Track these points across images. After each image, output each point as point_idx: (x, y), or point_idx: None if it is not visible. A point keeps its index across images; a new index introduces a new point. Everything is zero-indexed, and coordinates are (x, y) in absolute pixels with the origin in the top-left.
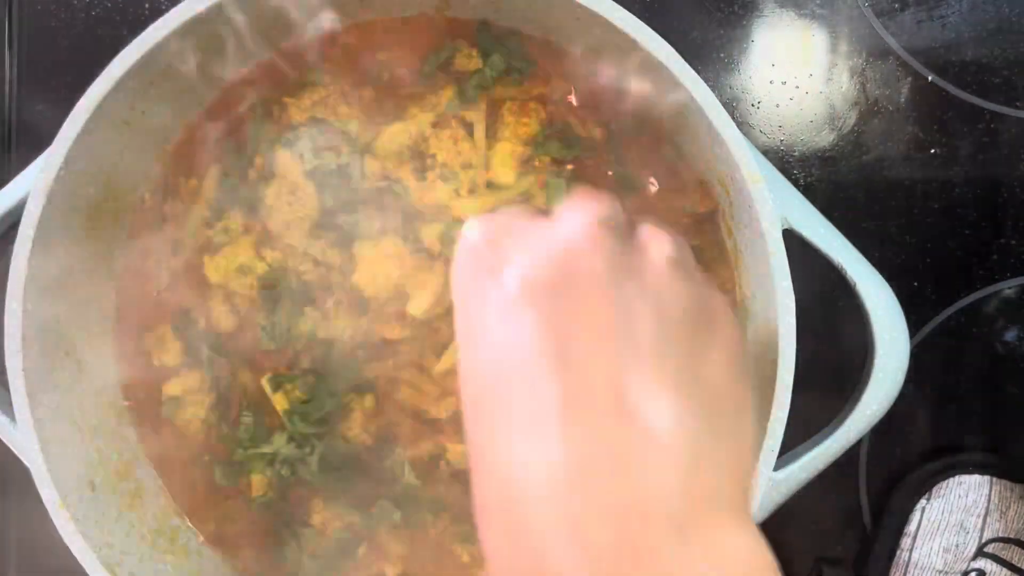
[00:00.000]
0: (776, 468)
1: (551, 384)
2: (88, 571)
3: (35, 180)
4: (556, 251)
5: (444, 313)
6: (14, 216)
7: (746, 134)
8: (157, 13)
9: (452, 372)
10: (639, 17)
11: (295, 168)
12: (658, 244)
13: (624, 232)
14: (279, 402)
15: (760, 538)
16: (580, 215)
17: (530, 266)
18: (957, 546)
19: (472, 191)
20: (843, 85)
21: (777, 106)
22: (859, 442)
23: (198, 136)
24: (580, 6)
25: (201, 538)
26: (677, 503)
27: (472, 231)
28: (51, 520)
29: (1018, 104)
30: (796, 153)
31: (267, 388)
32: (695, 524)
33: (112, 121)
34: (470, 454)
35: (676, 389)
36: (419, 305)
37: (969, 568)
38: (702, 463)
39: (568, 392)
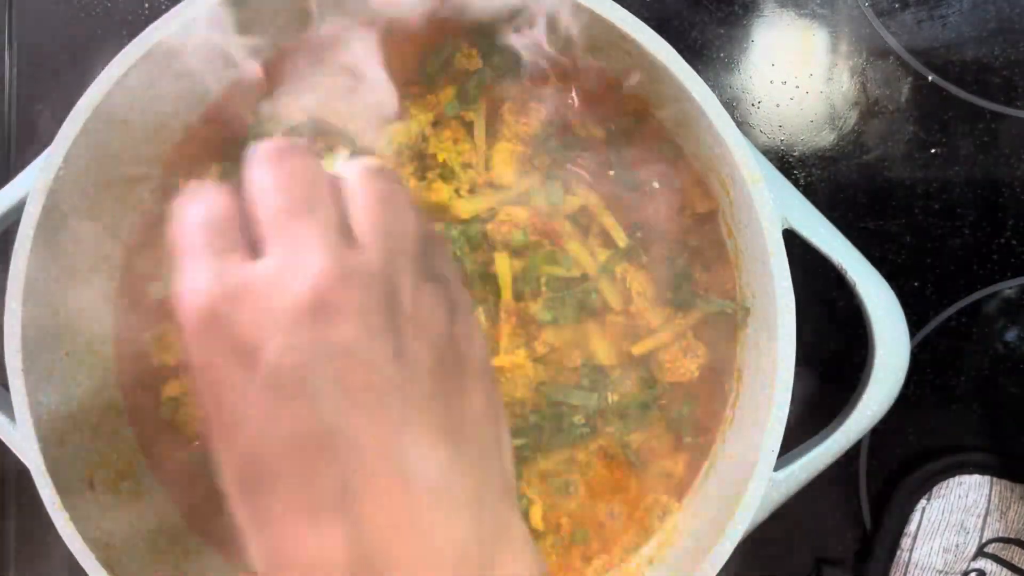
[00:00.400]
0: (776, 468)
1: (329, 468)
2: (88, 571)
3: (35, 180)
4: (305, 322)
5: None
6: (14, 216)
7: (746, 134)
8: (157, 13)
9: None
10: (639, 17)
11: None
12: (391, 244)
13: (343, 231)
14: None
15: (535, 554)
16: (315, 256)
17: (281, 347)
18: (957, 546)
19: (472, 191)
20: (843, 85)
21: (777, 106)
22: (859, 442)
23: (198, 136)
24: (580, 6)
25: (201, 538)
26: (473, 552)
27: (195, 283)
28: (51, 520)
29: (1018, 104)
30: (796, 153)
31: None
32: (492, 566)
33: (112, 121)
34: (245, 541)
35: (447, 439)
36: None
37: (969, 568)
38: (483, 504)
39: (347, 472)
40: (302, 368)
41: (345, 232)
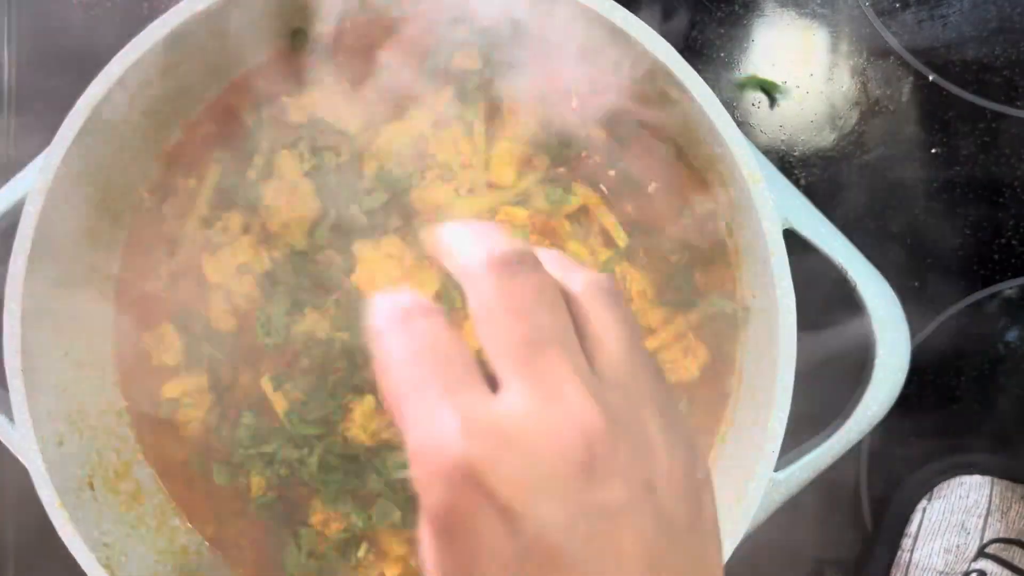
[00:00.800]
0: (777, 468)
1: None
2: (86, 571)
3: (34, 180)
4: (579, 478)
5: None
6: (13, 216)
7: (746, 134)
8: (156, 13)
9: None
10: (639, 17)
11: (294, 168)
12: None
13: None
14: (278, 402)
15: None
16: (576, 398)
17: (552, 509)
18: (958, 547)
19: (472, 191)
20: (844, 84)
21: (778, 105)
22: (860, 442)
23: (197, 135)
24: (580, 6)
25: (200, 538)
26: None
27: (440, 426)
28: (50, 520)
29: (1019, 104)
30: (797, 153)
31: (267, 388)
32: None
33: (111, 121)
34: None
35: None
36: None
37: (970, 569)
38: None
39: None
40: (572, 534)
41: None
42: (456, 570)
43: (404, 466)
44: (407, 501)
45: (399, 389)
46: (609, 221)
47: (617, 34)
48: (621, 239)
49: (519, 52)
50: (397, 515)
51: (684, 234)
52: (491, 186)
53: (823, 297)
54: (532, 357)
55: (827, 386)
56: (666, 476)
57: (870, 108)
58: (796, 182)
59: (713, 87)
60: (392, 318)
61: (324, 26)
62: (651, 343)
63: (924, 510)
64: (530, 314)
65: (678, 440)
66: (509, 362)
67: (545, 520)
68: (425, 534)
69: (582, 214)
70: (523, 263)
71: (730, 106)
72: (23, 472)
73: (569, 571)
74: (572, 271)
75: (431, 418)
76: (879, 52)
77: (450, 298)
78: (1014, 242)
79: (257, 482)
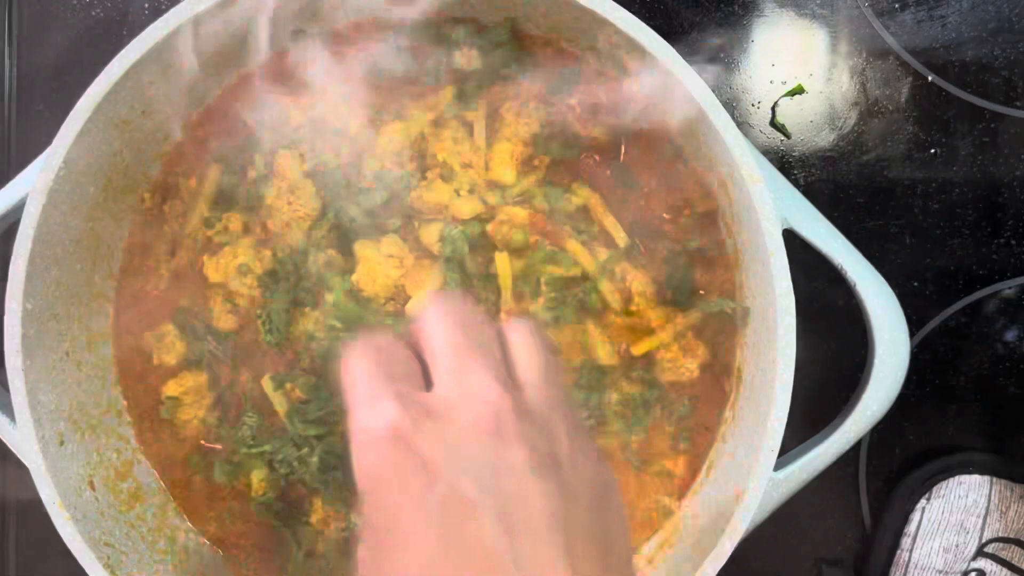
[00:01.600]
0: (776, 468)
1: None
2: (87, 571)
3: (35, 180)
4: (485, 442)
5: None
6: (14, 216)
7: (746, 134)
8: (157, 13)
9: None
10: (639, 17)
11: (295, 168)
12: (549, 403)
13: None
14: (279, 402)
15: None
16: (491, 388)
17: (462, 465)
18: (957, 546)
19: (472, 191)
20: (843, 85)
21: (777, 106)
22: (859, 442)
23: (198, 136)
24: (581, 7)
25: (201, 538)
26: None
27: (382, 409)
28: (51, 520)
29: (1018, 104)
30: (796, 153)
31: (268, 387)
32: None
33: (112, 121)
34: None
35: (605, 572)
36: (419, 304)
37: (969, 568)
38: None
39: None
40: (483, 484)
41: (509, 374)
42: (384, 521)
43: None
44: None
45: (354, 379)
46: (609, 221)
47: (617, 34)
48: (621, 239)
49: (520, 53)
50: None
51: (684, 234)
52: (491, 186)
53: (822, 297)
54: (459, 360)
55: (826, 386)
56: (570, 460)
57: (869, 108)
58: (795, 182)
59: (713, 88)
60: (364, 341)
61: (324, 26)
62: (651, 343)
63: (923, 509)
64: (461, 328)
65: (585, 444)
66: (440, 364)
67: (458, 472)
68: (361, 504)
69: (582, 214)
70: (461, 299)
71: (730, 106)
72: (24, 472)
73: (481, 517)
74: (509, 320)
75: (376, 400)
76: (878, 52)
77: None
78: (1013, 242)
79: (257, 481)
